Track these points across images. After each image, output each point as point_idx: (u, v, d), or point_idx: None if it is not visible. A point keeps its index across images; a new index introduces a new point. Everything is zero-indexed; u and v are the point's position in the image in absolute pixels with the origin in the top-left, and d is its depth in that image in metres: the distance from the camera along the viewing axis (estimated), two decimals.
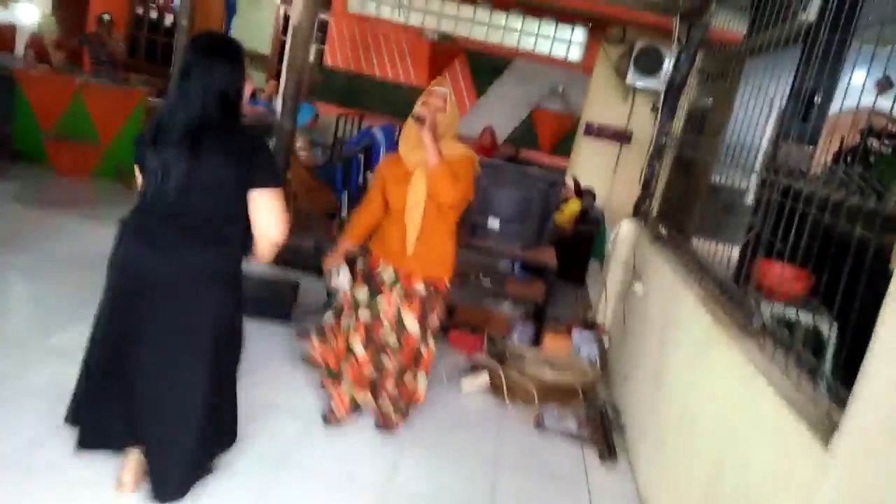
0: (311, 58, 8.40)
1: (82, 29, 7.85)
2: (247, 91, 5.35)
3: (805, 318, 2.44)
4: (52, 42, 6.52)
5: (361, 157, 4.54)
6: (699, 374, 2.46)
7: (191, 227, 2.00)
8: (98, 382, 2.11)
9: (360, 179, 4.60)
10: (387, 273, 2.81)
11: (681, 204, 3.92)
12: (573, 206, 7.19)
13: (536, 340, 4.20)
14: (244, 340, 2.30)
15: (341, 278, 3.04)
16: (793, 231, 1.97)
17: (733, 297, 2.47)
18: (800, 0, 2.52)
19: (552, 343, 4.17)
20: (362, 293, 2.84)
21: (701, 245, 3.21)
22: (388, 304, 2.77)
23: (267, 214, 2.01)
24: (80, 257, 4.23)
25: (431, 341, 2.90)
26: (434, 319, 2.87)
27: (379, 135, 5.21)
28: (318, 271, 4.11)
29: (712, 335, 2.37)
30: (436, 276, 2.81)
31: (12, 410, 2.54)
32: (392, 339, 2.79)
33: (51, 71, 6.29)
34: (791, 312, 2.59)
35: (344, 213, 4.53)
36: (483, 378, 3.57)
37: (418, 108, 2.77)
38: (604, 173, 8.23)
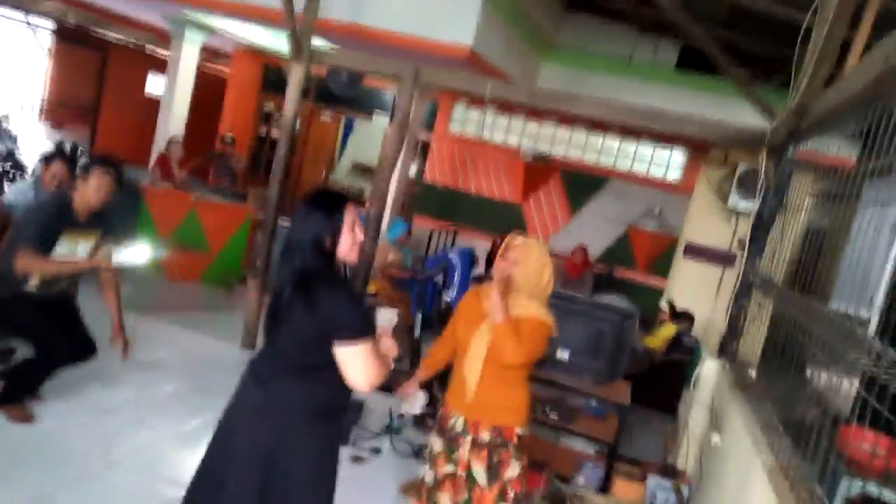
0: (412, 174, 8.81)
1: (210, 147, 8.71)
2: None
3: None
4: (176, 161, 7.26)
5: (439, 280, 4.60)
6: None
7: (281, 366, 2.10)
8: None
9: (435, 303, 4.63)
10: (458, 422, 2.69)
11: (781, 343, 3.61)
12: (667, 331, 6.84)
13: (606, 484, 3.91)
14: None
15: (414, 404, 3.03)
16: None
17: (804, 472, 2.20)
18: None
19: (622, 489, 3.86)
20: (438, 444, 2.74)
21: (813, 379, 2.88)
22: (462, 455, 2.65)
23: (348, 369, 2.01)
24: (167, 363, 4.49)
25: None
26: (510, 473, 2.65)
27: (455, 259, 5.29)
28: (388, 389, 4.12)
29: None
30: (503, 424, 2.65)
31: None
32: (464, 496, 2.63)
33: (172, 188, 6.97)
34: (875, 490, 2.27)
35: (416, 332, 4.55)
36: None
37: (497, 262, 2.70)
38: (704, 296, 7.84)
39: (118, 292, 3.62)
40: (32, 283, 3.33)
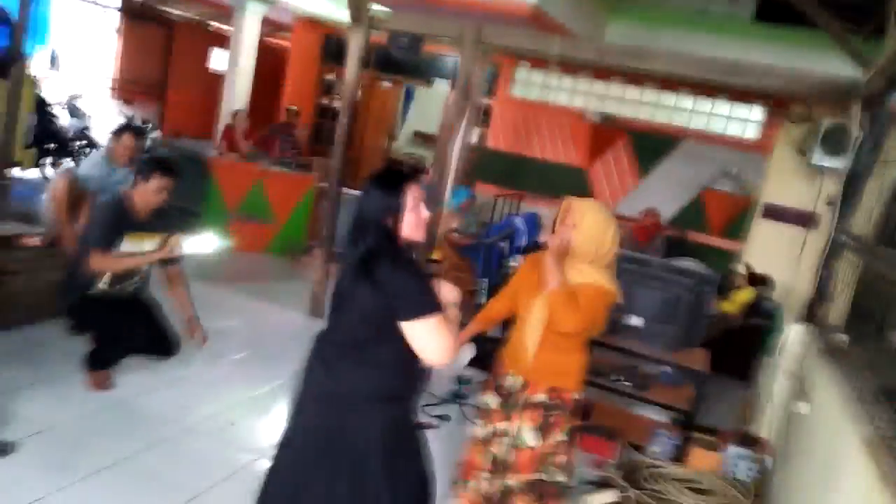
0: (473, 140, 8.65)
1: (273, 119, 8.79)
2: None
3: None
4: (241, 133, 7.34)
5: (503, 245, 4.49)
6: None
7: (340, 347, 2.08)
8: None
9: (500, 270, 4.53)
10: (515, 381, 2.67)
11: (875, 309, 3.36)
12: (744, 296, 6.55)
13: (681, 453, 3.76)
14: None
15: (462, 358, 3.04)
16: None
17: None
18: None
19: (699, 459, 3.70)
20: (493, 401, 2.72)
21: None
22: (515, 413, 2.62)
23: (423, 344, 1.97)
24: (236, 332, 4.55)
25: (558, 473, 2.64)
26: (559, 437, 2.61)
27: (520, 224, 5.15)
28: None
29: (876, 499, 1.92)
30: (560, 386, 2.61)
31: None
32: (511, 457, 2.61)
33: (238, 159, 7.06)
34: None
35: (482, 300, 4.47)
36: (610, 497, 3.23)
37: (556, 228, 2.62)
38: (785, 259, 7.42)
39: (186, 286, 3.70)
40: (103, 283, 3.45)
